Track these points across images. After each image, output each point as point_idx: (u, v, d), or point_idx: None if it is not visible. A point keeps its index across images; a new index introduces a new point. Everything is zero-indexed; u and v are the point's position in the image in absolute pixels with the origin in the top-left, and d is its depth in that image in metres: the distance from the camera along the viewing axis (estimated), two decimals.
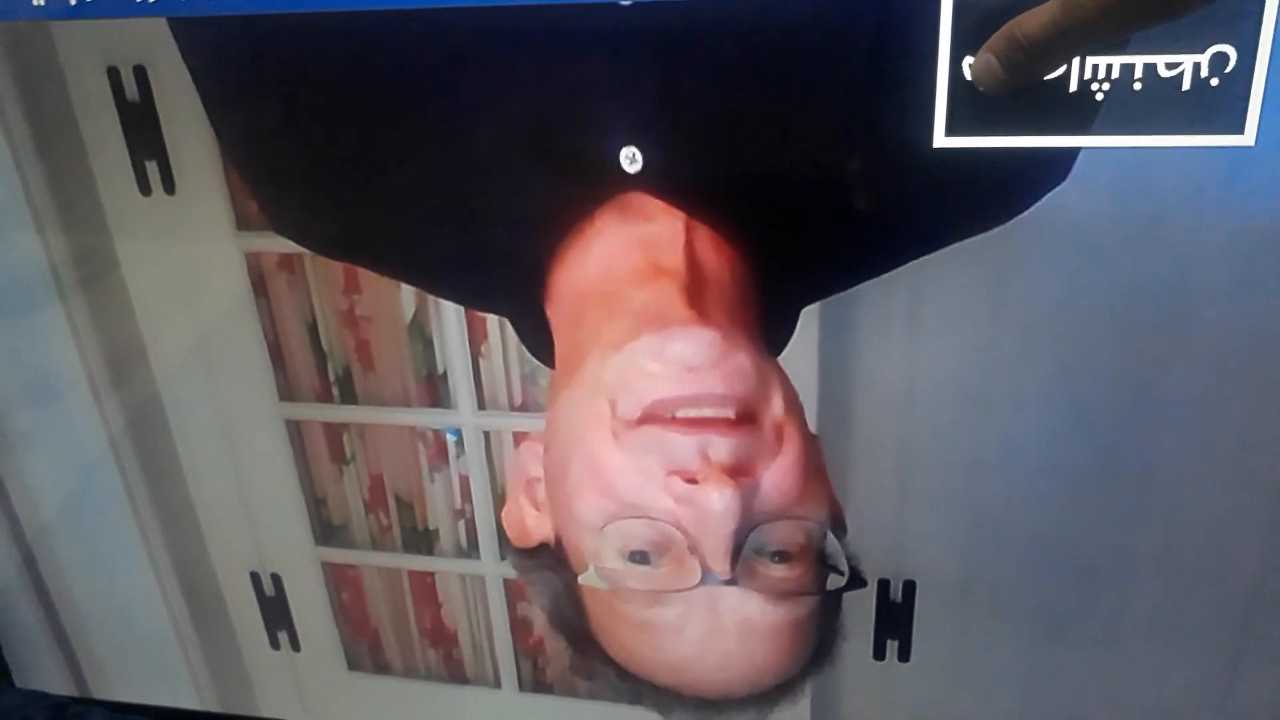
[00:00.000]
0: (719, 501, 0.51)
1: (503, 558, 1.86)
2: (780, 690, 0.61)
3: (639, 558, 0.55)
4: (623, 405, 0.54)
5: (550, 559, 0.61)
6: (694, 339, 0.54)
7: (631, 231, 0.63)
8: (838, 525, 0.63)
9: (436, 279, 0.80)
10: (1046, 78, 0.49)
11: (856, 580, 0.60)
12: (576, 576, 0.58)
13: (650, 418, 0.53)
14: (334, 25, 0.56)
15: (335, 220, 0.71)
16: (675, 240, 0.62)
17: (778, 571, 0.56)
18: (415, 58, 0.61)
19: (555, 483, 0.60)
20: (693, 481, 0.52)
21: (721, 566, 0.53)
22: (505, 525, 0.67)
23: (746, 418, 0.54)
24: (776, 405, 0.56)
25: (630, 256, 0.63)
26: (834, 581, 0.58)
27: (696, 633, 0.56)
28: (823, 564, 0.58)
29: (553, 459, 0.61)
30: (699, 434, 0.53)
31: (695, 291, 0.60)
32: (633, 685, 0.61)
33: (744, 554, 0.54)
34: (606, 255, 0.64)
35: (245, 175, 0.76)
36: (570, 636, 0.63)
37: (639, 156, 0.62)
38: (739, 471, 0.53)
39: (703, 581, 0.54)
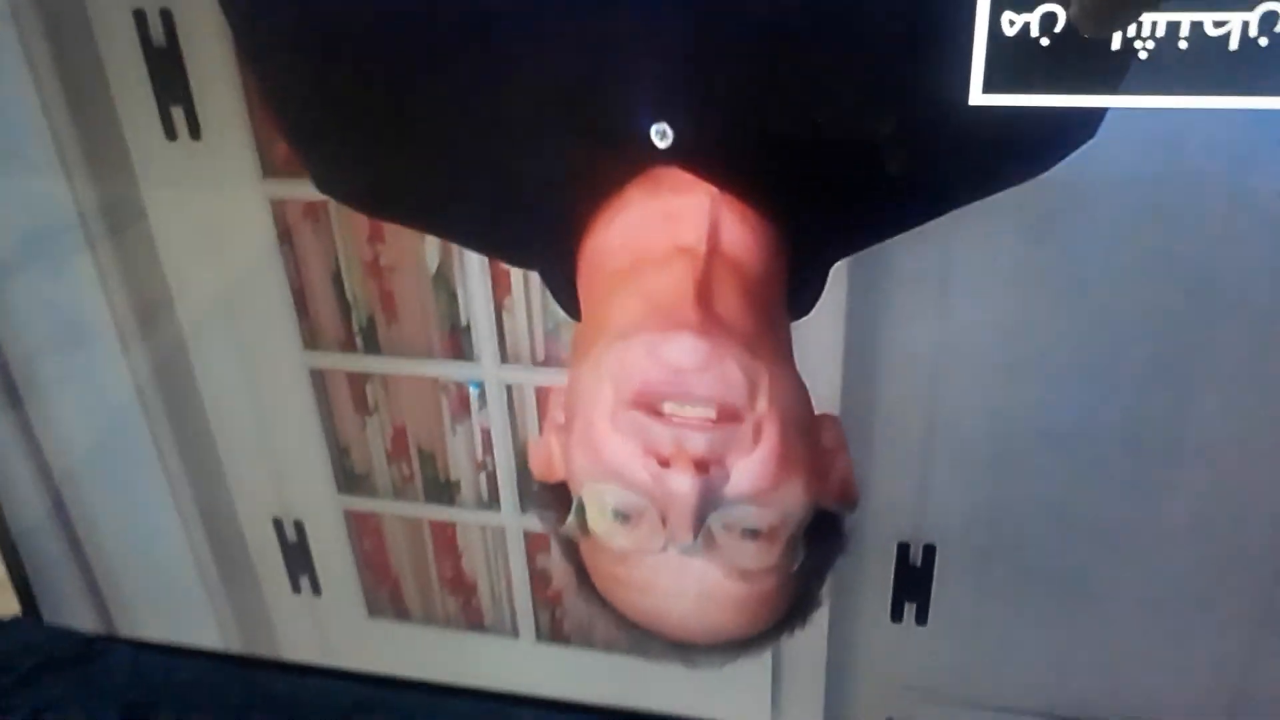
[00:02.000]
0: (684, 486, 0.57)
1: (524, 509, 1.87)
2: (742, 644, 0.66)
3: (620, 516, 0.60)
4: (619, 389, 0.59)
5: (565, 497, 0.66)
6: (686, 345, 0.58)
7: (658, 206, 0.65)
8: (848, 498, 0.65)
9: (470, 235, 0.83)
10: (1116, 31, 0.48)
11: (833, 549, 0.64)
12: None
13: (640, 404, 0.58)
14: None
15: (374, 176, 0.73)
16: (699, 216, 0.64)
17: (747, 548, 0.60)
18: (457, 16, 0.62)
19: (567, 434, 0.65)
20: (665, 464, 0.57)
21: (684, 538, 0.58)
22: (531, 457, 0.71)
23: (727, 416, 0.58)
24: (760, 404, 0.59)
25: (653, 232, 0.65)
26: (797, 556, 0.62)
27: (660, 591, 0.62)
28: (793, 542, 0.61)
29: (568, 413, 0.65)
30: (676, 426, 0.58)
31: (709, 277, 0.62)
32: (620, 623, 0.67)
33: (713, 529, 0.59)
34: (631, 229, 0.66)
35: (287, 134, 0.77)
36: (575, 567, 0.69)
37: (669, 132, 0.63)
38: (709, 461, 0.58)
39: (667, 548, 0.59)
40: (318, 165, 0.75)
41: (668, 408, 0.58)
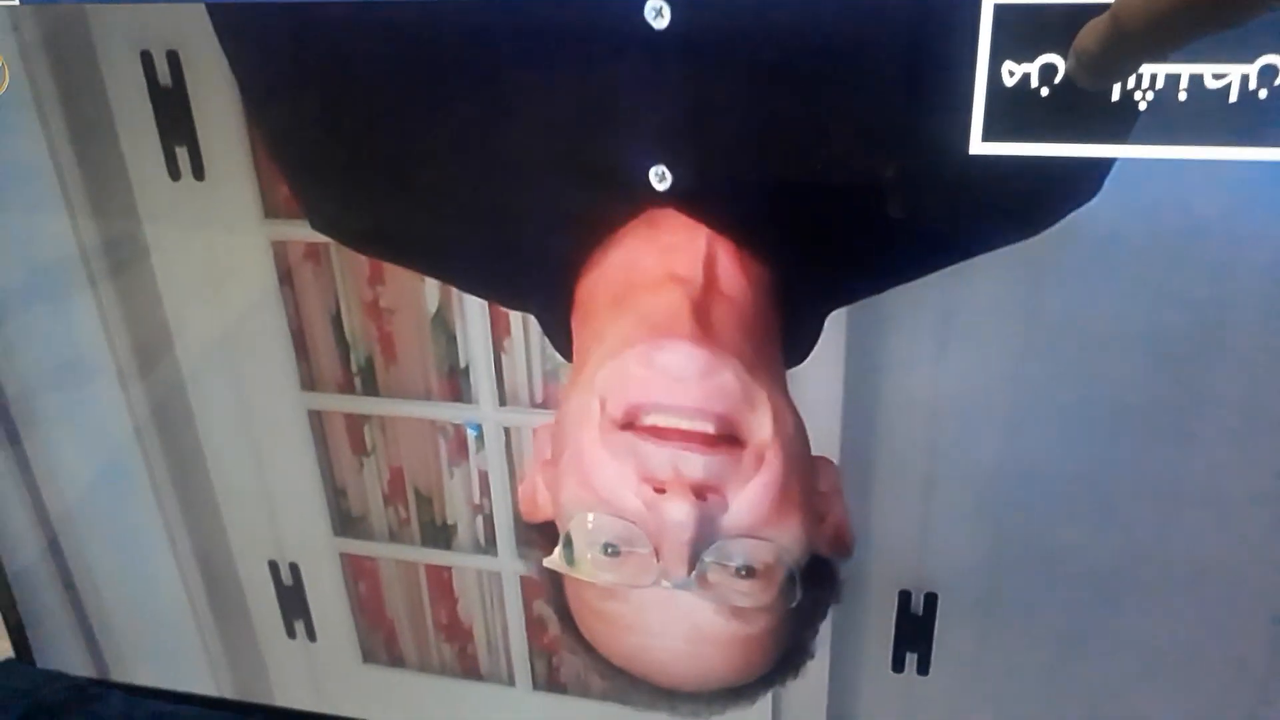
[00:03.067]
0: (680, 514, 0.56)
1: (520, 555, 1.86)
2: (732, 693, 0.65)
3: (610, 549, 0.59)
4: (610, 406, 0.58)
5: (552, 536, 0.66)
6: (682, 352, 0.57)
7: (654, 243, 0.67)
8: (842, 547, 0.65)
9: (467, 278, 0.84)
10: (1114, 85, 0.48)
11: (827, 596, 0.63)
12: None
13: (630, 422, 0.57)
14: (375, 20, 0.57)
15: (369, 216, 0.74)
16: (695, 252, 0.65)
17: (741, 585, 0.59)
18: (456, 57, 0.63)
19: (553, 469, 0.66)
20: (661, 491, 0.56)
21: (678, 572, 0.58)
22: (519, 498, 0.73)
23: (726, 437, 0.58)
24: (762, 429, 0.59)
25: (648, 264, 0.66)
26: (793, 597, 0.61)
27: (649, 629, 0.61)
28: (789, 583, 0.61)
29: (556, 445, 0.66)
30: (672, 446, 0.56)
31: (704, 303, 0.63)
32: (600, 663, 0.66)
33: (706, 564, 0.58)
34: (626, 264, 0.67)
35: (282, 169, 0.78)
36: (558, 612, 0.69)
37: (668, 174, 0.65)
38: (707, 489, 0.57)
39: (658, 582, 0.59)
40: (313, 205, 0.76)
41: (663, 421, 0.57)
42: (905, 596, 1.76)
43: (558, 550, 0.63)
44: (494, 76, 0.62)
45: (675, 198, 0.65)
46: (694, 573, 0.58)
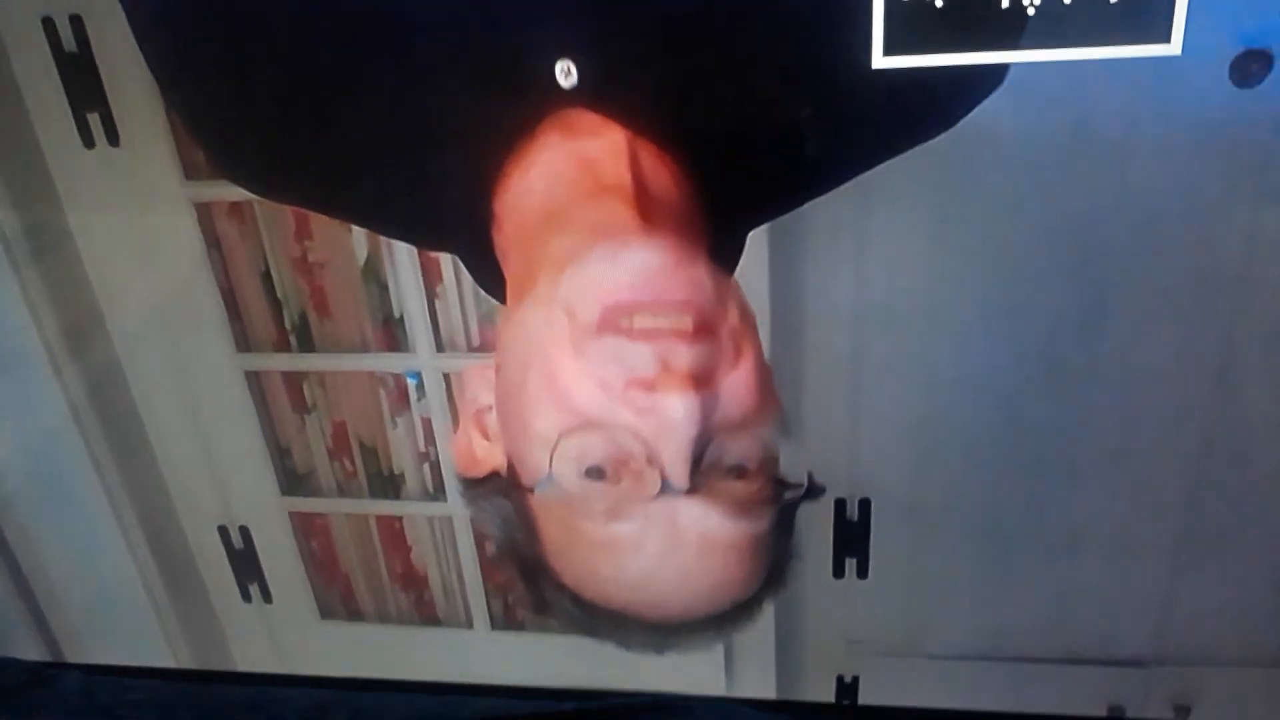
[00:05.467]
0: (681, 410, 0.51)
1: (469, 514, 1.87)
2: (739, 610, 0.60)
3: (595, 474, 0.54)
4: (581, 314, 0.53)
5: (501, 485, 0.61)
6: (651, 246, 0.54)
7: (572, 148, 0.62)
8: (782, 429, 0.62)
9: (382, 215, 0.76)
10: None
11: (814, 490, 0.60)
12: (529, 500, 0.58)
13: (608, 324, 0.53)
14: None
15: (277, 158, 0.68)
16: (618, 156, 0.61)
17: (735, 486, 0.55)
18: None
19: (509, 403, 0.60)
20: (653, 391, 0.52)
21: (681, 476, 0.53)
22: (454, 455, 0.66)
23: (704, 328, 0.53)
24: (733, 317, 0.55)
25: (574, 174, 0.61)
26: (791, 493, 0.57)
27: (656, 547, 0.55)
28: (778, 480, 0.57)
29: (505, 381, 0.60)
30: (658, 343, 0.52)
31: (644, 206, 0.58)
32: (588, 613, 0.60)
33: (702, 467, 0.53)
34: (549, 174, 0.62)
35: (183, 116, 0.72)
36: (522, 566, 0.62)
37: (573, 70, 0.60)
38: (698, 381, 0.52)
39: (662, 493, 0.53)
40: (224, 155, 0.71)
41: (641, 322, 0.53)
42: (841, 504, 1.83)
43: (543, 482, 0.55)
44: None
45: (585, 96, 0.60)
46: (696, 477, 0.53)
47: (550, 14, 0.61)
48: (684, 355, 0.52)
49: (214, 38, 0.63)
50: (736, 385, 0.54)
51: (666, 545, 0.55)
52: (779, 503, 0.57)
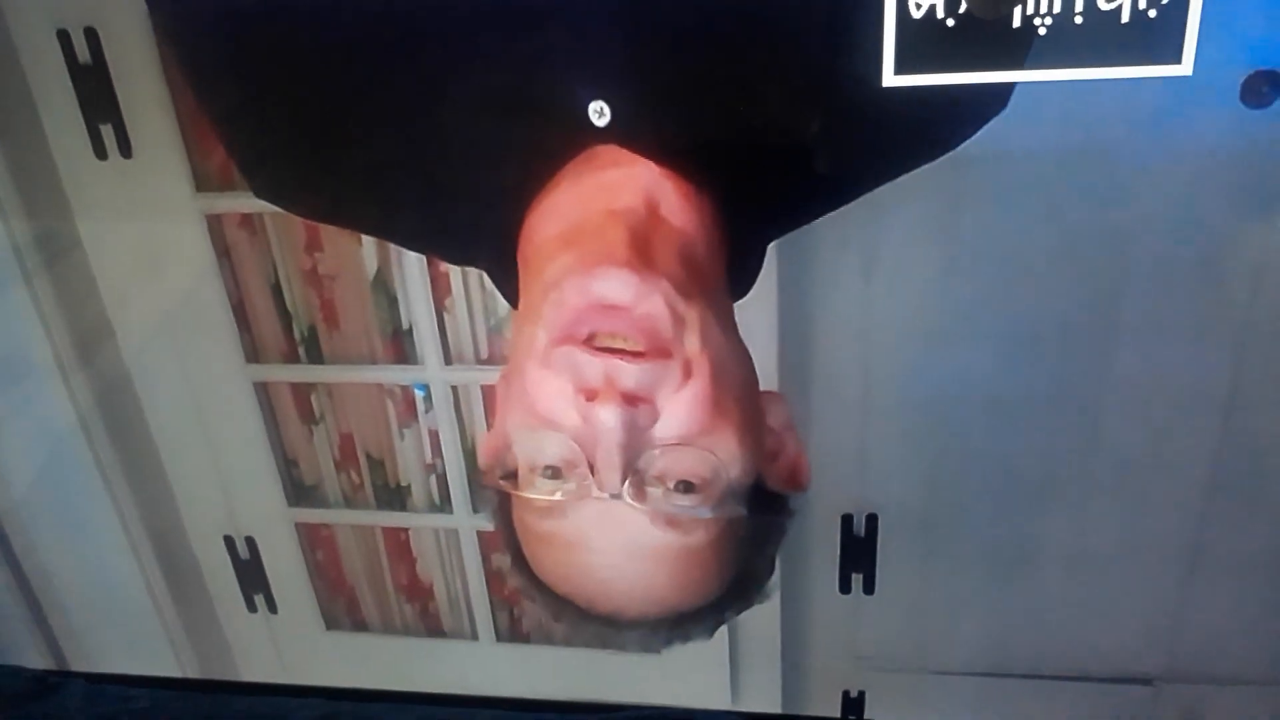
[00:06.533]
0: (610, 419, 0.56)
1: (475, 510, 1.88)
2: (693, 617, 0.64)
3: (550, 473, 0.60)
4: (549, 332, 0.59)
5: (494, 480, 0.66)
6: (614, 279, 0.58)
7: (596, 178, 0.66)
8: (796, 486, 0.66)
9: (416, 234, 0.83)
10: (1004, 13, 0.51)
11: (774, 512, 0.64)
12: (509, 495, 0.63)
13: (570, 338, 0.58)
14: None
15: (315, 175, 0.72)
16: (635, 185, 0.65)
17: (680, 500, 0.59)
18: (395, 11, 0.63)
19: (500, 405, 0.66)
20: (592, 400, 0.57)
21: (609, 481, 0.58)
22: (480, 451, 0.74)
23: (656, 351, 0.58)
24: (690, 342, 0.59)
25: (590, 201, 0.66)
26: (732, 512, 0.61)
27: (590, 545, 0.61)
28: (729, 499, 0.61)
29: (502, 386, 0.66)
30: (605, 358, 0.57)
31: (643, 230, 0.63)
32: (553, 601, 0.65)
33: (645, 479, 0.58)
34: (571, 200, 0.67)
35: (221, 135, 0.76)
36: (512, 556, 0.68)
37: (607, 110, 0.65)
38: (637, 398, 0.57)
39: (594, 496, 0.58)
40: (255, 170, 0.75)
41: (599, 341, 0.58)
42: (848, 520, 1.83)
43: (500, 473, 0.62)
44: (433, 19, 0.63)
45: (615, 133, 0.66)
46: (627, 482, 0.58)
47: (585, 59, 0.65)
48: (625, 371, 0.57)
49: (252, 58, 0.66)
50: (680, 405, 0.59)
51: (600, 546, 0.61)
52: (725, 519, 0.61)
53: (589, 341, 0.58)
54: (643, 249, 0.62)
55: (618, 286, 0.59)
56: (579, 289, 0.59)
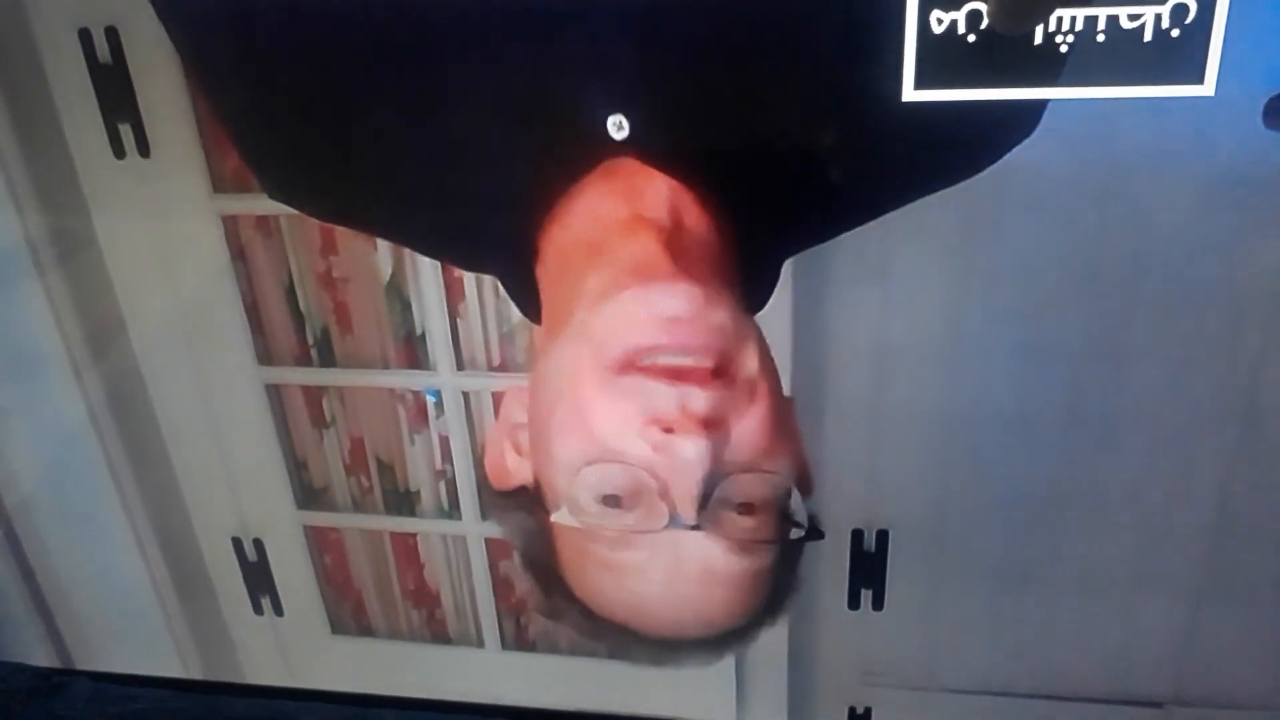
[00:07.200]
0: (692, 451, 0.55)
1: (484, 516, 1.88)
2: (732, 635, 0.64)
3: (611, 501, 0.58)
4: (609, 350, 0.57)
5: (527, 501, 0.64)
6: (678, 293, 0.57)
7: (617, 192, 0.66)
8: (804, 484, 0.65)
9: (430, 240, 0.82)
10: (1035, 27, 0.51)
11: (815, 533, 0.63)
12: (549, 517, 0.61)
13: (632, 364, 0.56)
14: None
15: (331, 179, 0.72)
16: (659, 200, 0.65)
17: (742, 522, 0.58)
18: (412, 12, 0.63)
19: (539, 428, 0.63)
20: (669, 431, 0.55)
21: (689, 512, 0.56)
22: (487, 467, 0.69)
23: (722, 371, 0.57)
24: (750, 363, 0.58)
25: (615, 215, 0.65)
26: (793, 534, 0.60)
27: (660, 575, 0.59)
28: (784, 518, 0.60)
29: (538, 405, 0.63)
30: (678, 385, 0.56)
31: (677, 246, 0.62)
32: (595, 625, 0.64)
33: (710, 504, 0.57)
34: (594, 213, 0.66)
35: (235, 138, 0.76)
36: (539, 576, 0.66)
37: (625, 124, 0.65)
38: (712, 424, 0.56)
39: (670, 525, 0.57)
40: (271, 173, 0.75)
41: (665, 360, 0.56)
42: (858, 535, 1.82)
43: (563, 510, 0.59)
44: (452, 28, 0.63)
45: (634, 146, 0.65)
46: (703, 513, 0.57)
47: (605, 73, 0.65)
48: (700, 399, 0.55)
49: (269, 63, 0.66)
50: (749, 428, 0.57)
51: (670, 574, 0.59)
52: (782, 540, 0.60)
53: (654, 365, 0.56)
54: (683, 260, 0.61)
55: (682, 300, 0.57)
56: (639, 303, 0.57)
